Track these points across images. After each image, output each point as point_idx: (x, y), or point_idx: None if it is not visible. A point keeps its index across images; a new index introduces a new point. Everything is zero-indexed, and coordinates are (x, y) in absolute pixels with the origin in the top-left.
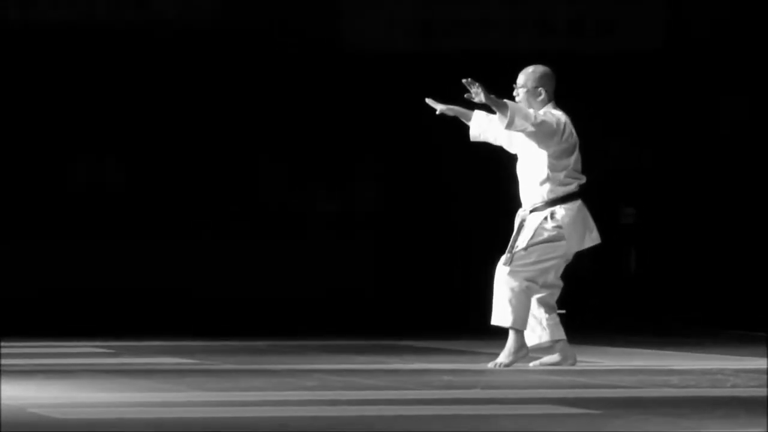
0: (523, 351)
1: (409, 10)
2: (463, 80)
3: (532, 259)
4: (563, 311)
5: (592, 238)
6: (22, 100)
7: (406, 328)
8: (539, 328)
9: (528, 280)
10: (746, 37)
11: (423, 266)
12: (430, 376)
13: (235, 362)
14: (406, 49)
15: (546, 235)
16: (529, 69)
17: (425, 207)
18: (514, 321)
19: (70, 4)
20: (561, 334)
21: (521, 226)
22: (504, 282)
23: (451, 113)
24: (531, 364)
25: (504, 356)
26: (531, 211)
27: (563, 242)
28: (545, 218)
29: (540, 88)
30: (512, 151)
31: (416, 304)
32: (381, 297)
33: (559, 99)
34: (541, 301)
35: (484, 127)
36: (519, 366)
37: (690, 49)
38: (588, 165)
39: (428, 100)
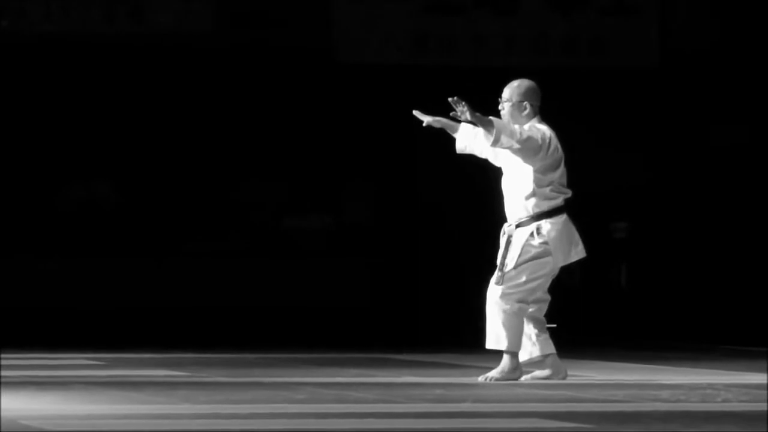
0: (517, 372)
1: (402, 23)
2: (449, 99)
3: (522, 279)
4: (554, 325)
5: (577, 252)
6: (13, 112)
7: (398, 342)
8: (529, 343)
9: (520, 301)
10: (739, 55)
11: (415, 280)
12: (421, 389)
13: (226, 375)
14: (398, 61)
15: (533, 252)
16: (515, 83)
17: (416, 221)
18: (510, 344)
19: (63, 16)
20: (551, 349)
21: (508, 242)
22: (496, 305)
23: (437, 125)
24: (522, 378)
25: (497, 372)
26: (517, 226)
27: (550, 258)
28: (531, 234)
29: (525, 102)
30: (497, 164)
31: (407, 319)
32: (373, 311)
33: (552, 114)
34: (530, 317)
35: (470, 139)
36: (510, 381)
37: (683, 68)
38: (580, 180)
39: (415, 112)
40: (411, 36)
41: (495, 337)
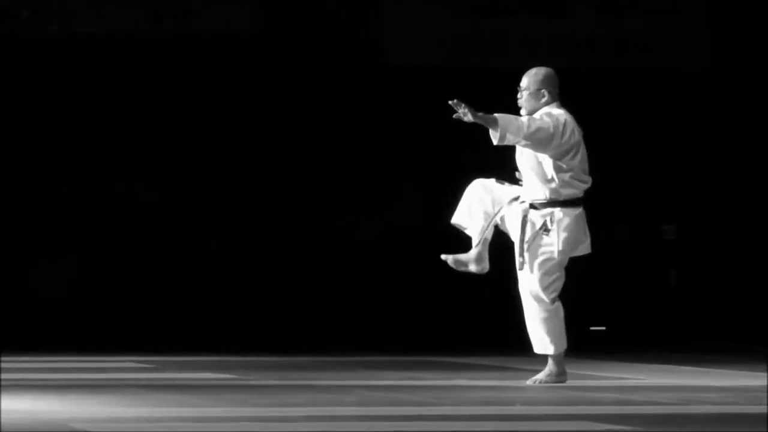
0: (564, 376)
1: (450, 25)
2: (450, 101)
3: (550, 279)
4: (602, 328)
5: (583, 248)
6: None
7: (446, 344)
8: None
9: (554, 300)
10: None
11: (464, 282)
12: (470, 392)
13: (275, 378)
14: (446, 63)
15: (548, 251)
16: (532, 71)
17: None
18: (556, 347)
19: (111, 18)
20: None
21: (524, 222)
22: (534, 312)
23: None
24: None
25: (544, 375)
26: (531, 206)
27: (560, 250)
28: (545, 228)
29: (543, 90)
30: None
31: (457, 320)
32: (421, 313)
33: (601, 116)
34: None
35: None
36: (558, 384)
37: (733, 67)
38: (630, 182)
39: (453, 102)
40: (459, 38)
41: (540, 342)
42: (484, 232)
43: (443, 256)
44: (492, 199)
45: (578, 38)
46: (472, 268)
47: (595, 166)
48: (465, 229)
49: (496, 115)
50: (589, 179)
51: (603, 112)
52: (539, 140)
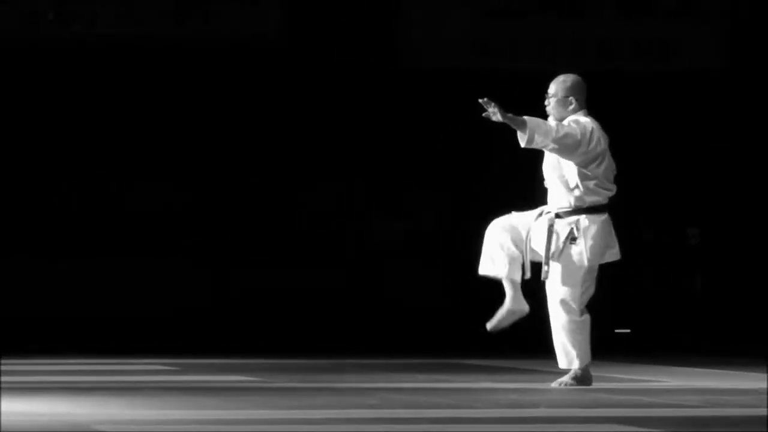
0: (589, 379)
1: (467, 27)
2: (480, 100)
3: (580, 290)
4: (627, 330)
5: (612, 254)
6: (80, 115)
7: (471, 347)
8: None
9: (582, 312)
10: None
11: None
12: (494, 394)
13: (299, 380)
14: (463, 66)
15: (576, 259)
16: (560, 78)
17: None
18: (581, 360)
19: (133, 20)
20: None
21: (551, 232)
22: (561, 323)
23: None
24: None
25: (569, 377)
26: (557, 216)
27: (588, 257)
28: (572, 237)
29: (570, 97)
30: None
31: (481, 323)
32: (446, 315)
33: (620, 117)
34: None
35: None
36: (583, 386)
37: (753, 68)
38: (653, 185)
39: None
40: (476, 40)
41: (566, 357)
42: (514, 273)
43: (488, 326)
44: (513, 237)
45: (596, 39)
46: (515, 317)
47: (618, 169)
48: (493, 277)
49: (525, 117)
50: (613, 187)
51: (622, 113)
52: (567, 146)
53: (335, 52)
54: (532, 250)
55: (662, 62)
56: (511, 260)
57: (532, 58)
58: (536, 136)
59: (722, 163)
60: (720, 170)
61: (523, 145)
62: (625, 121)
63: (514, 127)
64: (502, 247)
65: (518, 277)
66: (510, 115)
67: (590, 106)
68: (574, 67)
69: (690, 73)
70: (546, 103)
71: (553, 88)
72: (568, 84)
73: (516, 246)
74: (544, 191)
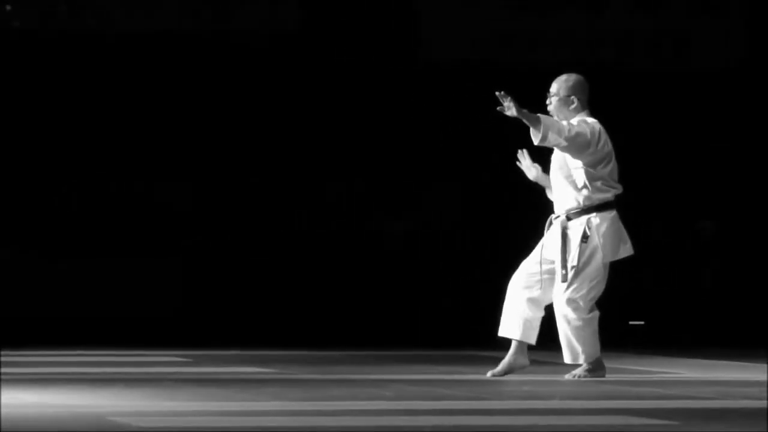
0: (602, 371)
1: (487, 21)
2: (497, 93)
3: (586, 288)
4: (641, 322)
5: (626, 249)
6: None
7: (484, 339)
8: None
9: (591, 309)
10: None
11: (499, 279)
12: (509, 386)
13: (314, 372)
14: (483, 60)
15: (587, 254)
16: (563, 77)
17: (503, 216)
18: (587, 356)
19: (145, 15)
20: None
21: (565, 236)
22: (568, 320)
23: (531, 175)
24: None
25: (582, 369)
26: (567, 218)
27: (600, 255)
28: (584, 237)
29: (572, 97)
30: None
31: (494, 316)
32: (460, 308)
33: (636, 112)
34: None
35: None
36: (597, 378)
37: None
38: (665, 179)
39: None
40: (495, 34)
41: (571, 353)
42: (528, 337)
43: (488, 374)
44: (528, 298)
45: (616, 34)
46: (513, 371)
47: (632, 164)
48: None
49: (539, 114)
50: (619, 186)
51: (637, 107)
52: (579, 145)
53: (353, 46)
54: (548, 263)
55: (679, 58)
56: (526, 323)
57: (551, 52)
58: (550, 134)
59: (736, 159)
60: (735, 165)
61: (536, 142)
62: (639, 115)
63: (527, 123)
64: (518, 310)
65: (533, 341)
66: (525, 110)
67: (606, 101)
68: (591, 62)
69: (706, 69)
70: (548, 102)
71: (554, 87)
72: (571, 83)
73: (531, 305)
74: (550, 203)
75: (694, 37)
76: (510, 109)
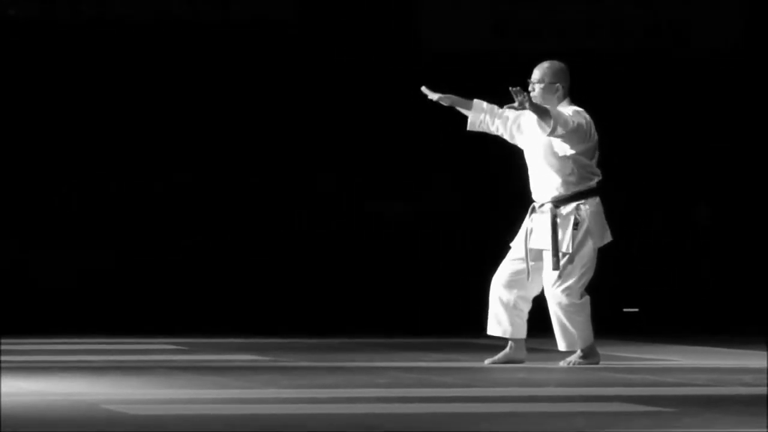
0: (596, 357)
1: (485, 9)
2: (511, 88)
3: (578, 274)
4: (636, 309)
5: (607, 236)
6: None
7: (478, 326)
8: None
9: (582, 294)
10: None
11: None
12: (503, 373)
13: (309, 359)
14: (479, 48)
15: (578, 240)
16: (545, 64)
17: (499, 205)
18: (583, 342)
19: (145, 3)
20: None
21: (555, 223)
22: (562, 307)
23: (446, 102)
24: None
25: (576, 356)
26: (555, 205)
27: (590, 242)
28: (575, 223)
29: (557, 84)
30: (515, 143)
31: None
32: (454, 295)
33: (634, 97)
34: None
35: (485, 115)
36: (591, 365)
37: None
38: (663, 165)
39: (423, 89)
40: (491, 22)
41: (566, 339)
42: (519, 332)
43: (486, 361)
44: (516, 294)
45: (615, 21)
46: (511, 363)
47: (629, 152)
48: (500, 336)
49: (547, 107)
50: (600, 173)
51: (634, 91)
52: (579, 136)
53: (351, 37)
54: (534, 252)
55: (676, 42)
56: (515, 318)
57: (551, 40)
58: (558, 126)
59: (734, 145)
60: (733, 152)
61: (547, 134)
62: (636, 99)
63: (538, 116)
64: (505, 306)
65: (523, 335)
66: (536, 104)
67: (605, 85)
68: (589, 48)
69: (704, 52)
70: (530, 89)
71: (537, 74)
72: (555, 69)
73: (518, 300)
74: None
75: (693, 23)
76: (524, 103)
